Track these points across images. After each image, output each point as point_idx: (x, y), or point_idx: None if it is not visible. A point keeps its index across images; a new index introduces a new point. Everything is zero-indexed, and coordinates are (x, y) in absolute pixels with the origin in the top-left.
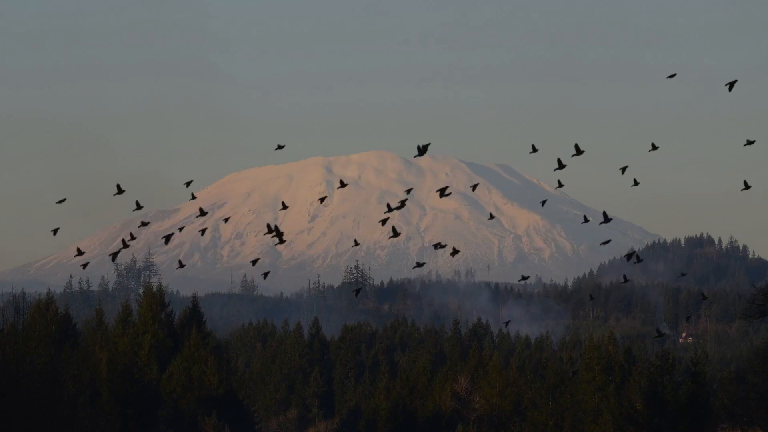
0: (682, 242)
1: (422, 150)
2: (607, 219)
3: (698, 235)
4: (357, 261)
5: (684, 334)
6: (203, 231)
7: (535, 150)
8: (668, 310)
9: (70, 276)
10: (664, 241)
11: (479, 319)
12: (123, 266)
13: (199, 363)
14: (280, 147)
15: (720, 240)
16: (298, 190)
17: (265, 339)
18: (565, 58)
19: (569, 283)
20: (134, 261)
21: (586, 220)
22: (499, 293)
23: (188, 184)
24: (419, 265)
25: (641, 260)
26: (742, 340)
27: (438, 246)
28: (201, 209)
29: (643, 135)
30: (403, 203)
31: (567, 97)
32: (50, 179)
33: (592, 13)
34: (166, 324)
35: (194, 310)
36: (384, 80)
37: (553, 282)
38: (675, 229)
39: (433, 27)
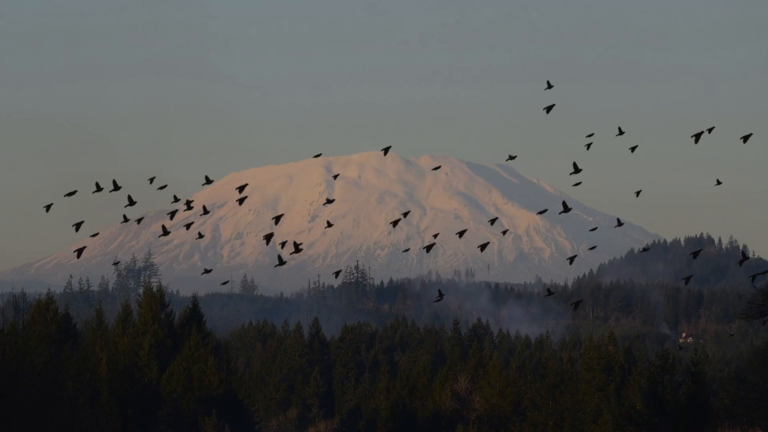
0: (682, 242)
1: (548, 108)
2: (566, 209)
3: (698, 235)
4: (357, 261)
5: (684, 334)
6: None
7: (577, 170)
8: (668, 310)
9: (70, 276)
10: (664, 241)
11: (479, 319)
12: (123, 266)
13: (199, 363)
14: (386, 150)
15: (720, 240)
16: (298, 190)
17: (265, 339)
18: (565, 58)
19: (569, 283)
20: (134, 261)
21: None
22: (499, 293)
23: (207, 182)
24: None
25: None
26: (742, 340)
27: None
28: (187, 201)
29: (643, 135)
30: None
31: (567, 97)
32: (50, 179)
33: (592, 13)
34: (166, 324)
35: (194, 310)
36: (384, 80)
37: (553, 282)
38: (675, 229)
39: (433, 27)
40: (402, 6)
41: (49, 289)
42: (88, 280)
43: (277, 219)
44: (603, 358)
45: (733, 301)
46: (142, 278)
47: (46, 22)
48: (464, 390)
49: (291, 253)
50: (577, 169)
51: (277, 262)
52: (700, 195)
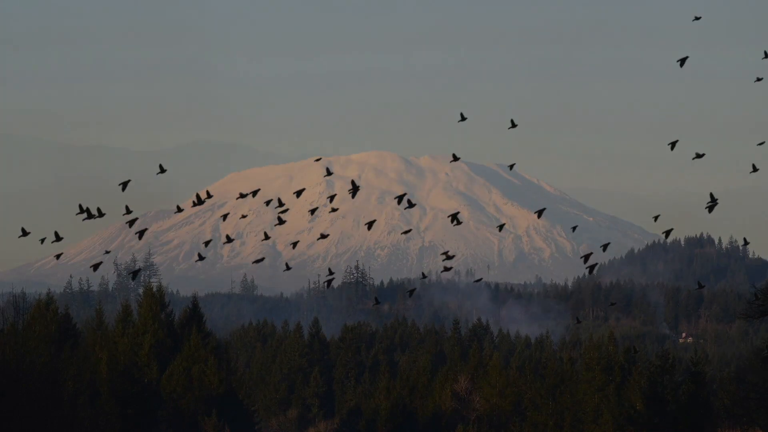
0: (682, 242)
1: (682, 61)
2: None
3: (698, 235)
4: (357, 261)
5: (684, 334)
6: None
7: (514, 125)
8: (668, 310)
9: (70, 276)
10: (665, 241)
11: (479, 319)
12: (123, 266)
13: (199, 363)
14: (463, 119)
15: (720, 240)
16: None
17: (265, 339)
18: (565, 58)
19: (569, 283)
20: (134, 261)
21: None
22: (499, 293)
23: (198, 201)
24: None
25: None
26: (742, 340)
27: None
28: (198, 197)
29: (643, 135)
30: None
31: (567, 97)
32: (51, 179)
33: (592, 13)
34: (166, 324)
35: (194, 310)
36: (384, 80)
37: (553, 282)
38: (675, 229)
39: (433, 27)
40: (402, 6)
41: (49, 289)
42: (88, 280)
43: (299, 193)
44: (603, 358)
45: (733, 301)
46: (142, 278)
47: (46, 22)
48: (464, 390)
49: (444, 261)
50: (699, 155)
51: (443, 269)
52: (700, 195)
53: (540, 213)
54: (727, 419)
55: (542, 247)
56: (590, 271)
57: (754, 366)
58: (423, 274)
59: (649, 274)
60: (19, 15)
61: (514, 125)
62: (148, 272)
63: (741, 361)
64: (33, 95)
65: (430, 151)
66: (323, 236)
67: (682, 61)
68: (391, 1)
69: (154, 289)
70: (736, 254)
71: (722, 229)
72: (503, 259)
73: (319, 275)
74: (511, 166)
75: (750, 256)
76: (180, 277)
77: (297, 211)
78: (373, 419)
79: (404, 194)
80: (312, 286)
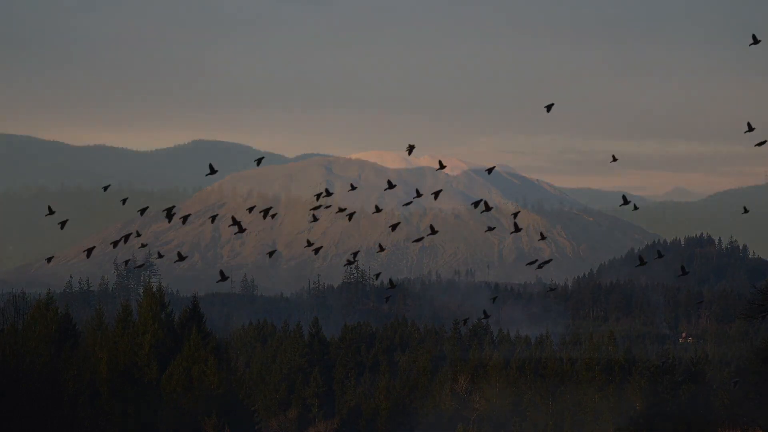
0: (682, 242)
1: (756, 40)
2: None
3: (698, 235)
4: (357, 261)
5: (684, 334)
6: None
7: (751, 129)
8: (668, 310)
9: (70, 276)
10: (665, 241)
11: (479, 319)
12: (123, 266)
13: (199, 363)
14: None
15: (720, 240)
16: (298, 190)
17: (265, 339)
18: (565, 58)
19: (569, 283)
20: (134, 261)
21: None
22: (499, 293)
23: (170, 212)
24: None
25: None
26: (742, 340)
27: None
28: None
29: (643, 135)
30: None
31: (567, 96)
32: (50, 178)
33: (592, 13)
34: (166, 324)
35: (194, 310)
36: (384, 80)
37: (553, 282)
38: (675, 229)
39: (433, 26)
40: (404, 5)
41: (49, 289)
42: (88, 280)
43: (259, 208)
44: (603, 358)
45: (733, 301)
46: (142, 278)
47: (45, 22)
48: (464, 390)
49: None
50: (750, 128)
51: (537, 266)
52: (701, 195)
53: (549, 107)
54: (727, 419)
55: (542, 247)
56: (684, 274)
57: (754, 366)
58: (485, 312)
59: (649, 274)
60: (19, 14)
61: (549, 107)
62: (148, 272)
63: (741, 361)
64: (32, 95)
65: (430, 151)
66: (317, 250)
67: (755, 41)
68: (390, 1)
69: (154, 289)
70: (736, 254)
71: (722, 229)
72: (503, 259)
73: (319, 275)
74: (549, 107)
75: (750, 256)
76: (180, 277)
77: (297, 211)
78: (373, 419)
79: (480, 200)
80: (312, 286)
